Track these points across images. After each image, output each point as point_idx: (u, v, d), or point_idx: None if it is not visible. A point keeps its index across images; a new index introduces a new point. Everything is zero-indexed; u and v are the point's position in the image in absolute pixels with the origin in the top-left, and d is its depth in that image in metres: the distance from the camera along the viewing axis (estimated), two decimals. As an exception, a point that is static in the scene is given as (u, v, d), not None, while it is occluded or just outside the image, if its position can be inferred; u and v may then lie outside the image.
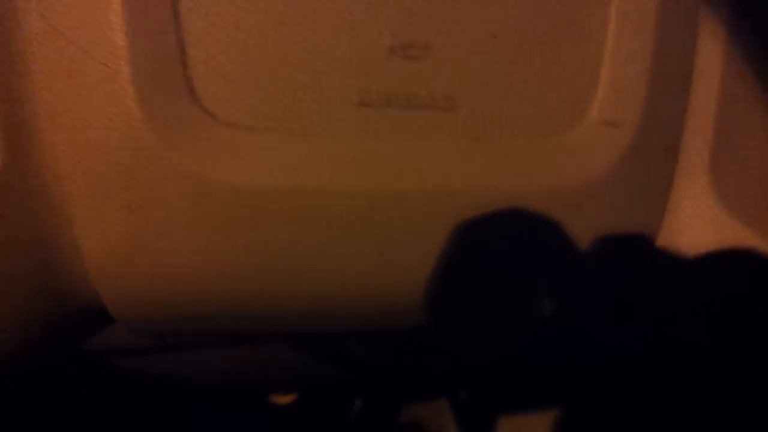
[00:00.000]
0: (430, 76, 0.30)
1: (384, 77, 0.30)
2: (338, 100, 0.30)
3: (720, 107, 0.36)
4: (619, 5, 0.32)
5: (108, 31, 0.27)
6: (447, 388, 0.73)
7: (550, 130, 0.33)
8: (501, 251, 0.33)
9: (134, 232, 0.29)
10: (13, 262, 0.29)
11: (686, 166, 0.36)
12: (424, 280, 0.32)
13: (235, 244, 0.30)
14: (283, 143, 0.29)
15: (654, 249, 0.36)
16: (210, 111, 0.29)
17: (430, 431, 0.76)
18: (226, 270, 0.30)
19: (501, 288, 0.34)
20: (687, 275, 0.36)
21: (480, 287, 0.34)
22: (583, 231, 0.34)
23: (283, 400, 0.78)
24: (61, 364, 0.44)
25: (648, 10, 0.33)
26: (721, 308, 0.36)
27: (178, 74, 0.28)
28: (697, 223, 0.36)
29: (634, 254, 0.35)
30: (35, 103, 0.28)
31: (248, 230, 0.29)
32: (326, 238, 0.30)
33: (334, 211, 0.30)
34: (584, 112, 0.33)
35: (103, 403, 0.58)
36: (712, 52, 0.35)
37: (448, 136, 0.31)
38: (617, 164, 0.33)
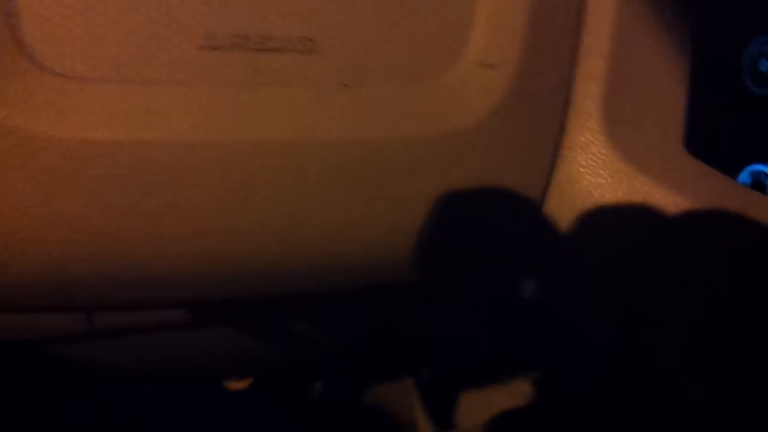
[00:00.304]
0: (284, 14, 0.28)
1: (232, 17, 0.28)
2: (181, 44, 0.27)
3: (616, 49, 0.34)
4: None
5: None
6: (410, 367, 0.71)
7: (423, 74, 0.31)
8: (374, 206, 0.31)
9: None
10: None
11: (579, 111, 0.34)
12: (289, 239, 0.31)
13: (72, 203, 0.27)
14: (121, 93, 0.27)
15: (544, 198, 0.34)
16: (39, 61, 0.26)
17: (394, 411, 0.74)
18: (65, 231, 0.28)
19: (375, 245, 0.33)
20: (579, 224, 0.34)
21: (348, 244, 0.32)
22: (463, 182, 0.32)
23: (238, 385, 0.77)
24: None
25: None
26: (615, 258, 0.34)
27: (1, 22, 0.26)
28: (590, 171, 0.34)
29: (521, 204, 0.33)
30: None
31: (87, 188, 0.27)
32: (172, 195, 0.28)
33: (181, 165, 0.28)
34: (459, 53, 0.31)
35: (55, 395, 0.57)
36: None
37: (309, 81, 0.29)
38: (498, 109, 0.31)
